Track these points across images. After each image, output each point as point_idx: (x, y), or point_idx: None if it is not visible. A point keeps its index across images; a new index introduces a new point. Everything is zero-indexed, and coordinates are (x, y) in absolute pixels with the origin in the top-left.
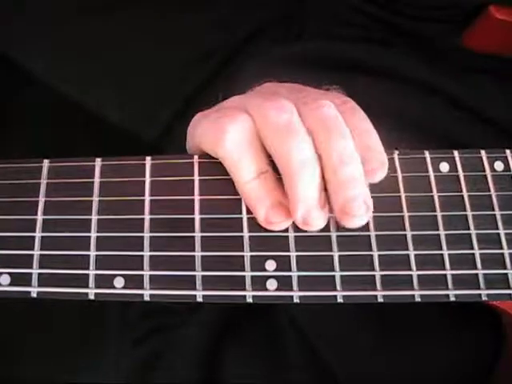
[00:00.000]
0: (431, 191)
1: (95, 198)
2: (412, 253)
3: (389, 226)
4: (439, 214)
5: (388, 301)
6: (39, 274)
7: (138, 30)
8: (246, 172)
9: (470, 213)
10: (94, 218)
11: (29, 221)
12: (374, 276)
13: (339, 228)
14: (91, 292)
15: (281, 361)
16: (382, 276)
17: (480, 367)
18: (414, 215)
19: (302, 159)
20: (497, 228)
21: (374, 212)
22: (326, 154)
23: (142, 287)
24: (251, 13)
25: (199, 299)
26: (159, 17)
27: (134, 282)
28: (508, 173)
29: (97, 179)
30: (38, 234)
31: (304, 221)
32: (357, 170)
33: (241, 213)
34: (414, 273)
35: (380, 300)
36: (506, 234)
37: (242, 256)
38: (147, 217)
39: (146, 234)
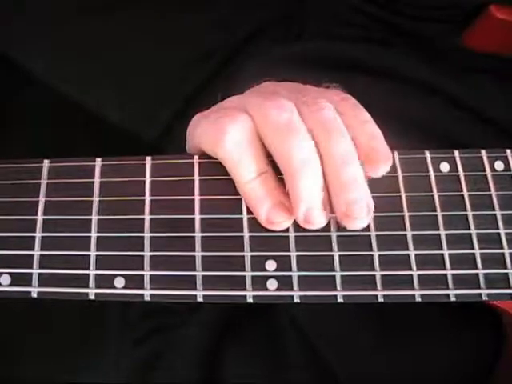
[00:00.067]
0: (431, 191)
1: (95, 198)
2: (412, 253)
3: (389, 225)
4: (439, 213)
5: (388, 301)
6: (39, 274)
7: (137, 30)
8: (246, 172)
9: (470, 212)
10: (95, 218)
11: (29, 221)
12: (374, 276)
13: (339, 228)
14: (91, 292)
15: (281, 360)
16: (382, 276)
17: (480, 367)
18: (415, 215)
19: (303, 158)
20: (497, 228)
21: (374, 212)
22: (327, 156)
23: (142, 287)
24: (251, 13)
25: (199, 299)
26: (159, 17)
27: (135, 282)
28: (508, 172)
29: (97, 179)
30: (38, 234)
31: (306, 219)
32: (358, 172)
33: (241, 213)
34: (415, 273)
35: (380, 300)
36: (506, 233)
37: (243, 256)
38: (147, 217)
39: (147, 234)
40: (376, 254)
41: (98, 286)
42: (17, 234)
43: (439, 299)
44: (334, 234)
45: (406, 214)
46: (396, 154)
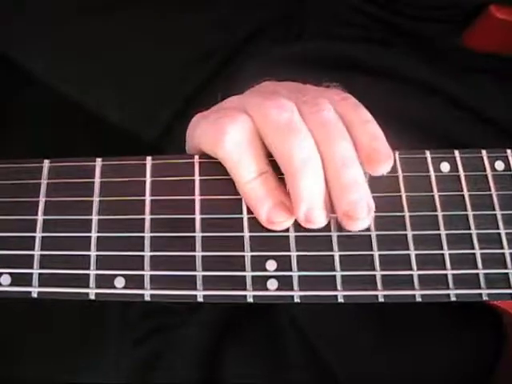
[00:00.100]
0: (432, 191)
1: (96, 198)
2: (413, 252)
3: (389, 225)
4: (440, 213)
5: (389, 301)
6: (40, 274)
7: (138, 30)
8: (246, 172)
9: (470, 212)
10: (95, 218)
11: (29, 221)
12: (374, 276)
13: (340, 228)
14: (92, 292)
15: (281, 361)
16: (382, 276)
17: (481, 367)
18: (415, 215)
19: (304, 157)
20: (497, 228)
21: (374, 212)
22: (328, 157)
23: (142, 287)
24: (251, 13)
25: (200, 299)
26: (159, 17)
27: (135, 282)
28: (508, 172)
29: (97, 179)
30: (38, 234)
31: (306, 218)
32: (358, 173)
33: (241, 213)
34: (415, 272)
35: (381, 300)
36: (506, 233)
37: (243, 256)
38: (148, 217)
39: (147, 234)
40: (376, 253)
41: (98, 286)
42: (17, 234)
43: (439, 299)
44: (334, 234)
45: (407, 213)
46: (396, 153)
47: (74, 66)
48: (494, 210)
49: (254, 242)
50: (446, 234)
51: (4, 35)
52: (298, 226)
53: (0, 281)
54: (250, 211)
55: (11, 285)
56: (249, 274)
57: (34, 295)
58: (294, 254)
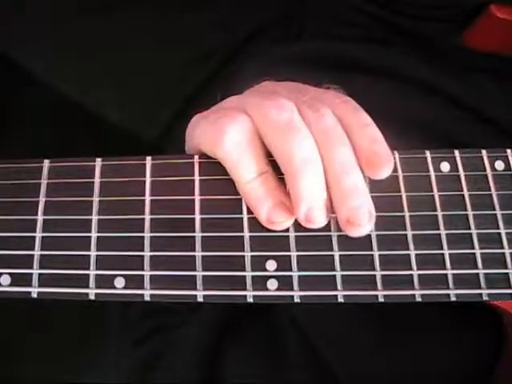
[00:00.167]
0: (432, 191)
1: (95, 198)
2: (413, 252)
3: (389, 225)
4: (440, 213)
5: (389, 300)
6: (39, 274)
7: (138, 30)
8: (246, 172)
9: (470, 212)
10: (95, 218)
11: (29, 221)
12: (374, 276)
13: (340, 228)
14: (92, 292)
15: (281, 360)
16: (382, 276)
17: (481, 367)
18: (415, 215)
19: (304, 157)
20: (498, 227)
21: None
22: (328, 163)
23: (142, 287)
24: (251, 13)
25: (200, 299)
26: (159, 17)
27: (135, 282)
28: (509, 172)
29: (97, 179)
30: (38, 234)
31: (307, 218)
32: (359, 179)
33: (241, 213)
34: (415, 272)
35: (381, 300)
36: (506, 233)
37: (243, 256)
38: (147, 217)
39: (147, 234)
40: (376, 253)
41: (98, 286)
42: (17, 234)
43: (440, 299)
44: (334, 234)
45: (407, 213)
46: (396, 153)
47: (74, 66)
48: (494, 209)
49: (253, 241)
50: (446, 234)
51: (4, 35)
52: (298, 225)
53: (0, 281)
54: (249, 211)
55: (11, 285)
56: (249, 273)
57: (34, 295)
58: (293, 253)
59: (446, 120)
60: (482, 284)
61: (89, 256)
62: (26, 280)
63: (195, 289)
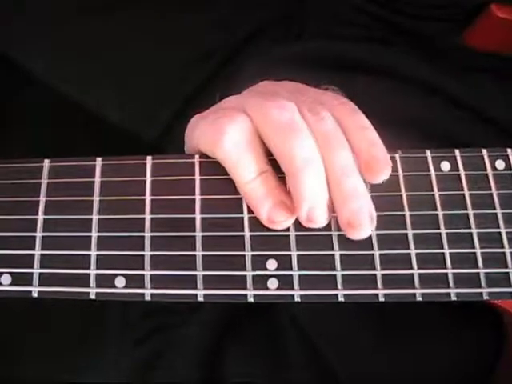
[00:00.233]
0: (432, 190)
1: (96, 198)
2: (413, 252)
3: (390, 224)
4: (440, 212)
5: (389, 300)
6: (40, 273)
7: (138, 30)
8: (246, 172)
9: (471, 211)
10: (95, 217)
11: (29, 220)
12: (375, 275)
13: (340, 227)
14: (92, 291)
15: (282, 360)
16: (383, 275)
17: (481, 366)
18: (415, 214)
19: (305, 157)
20: (498, 227)
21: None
22: (328, 166)
23: (142, 287)
24: (251, 13)
25: (200, 299)
26: (159, 17)
27: (135, 281)
28: (509, 171)
29: (97, 179)
30: (38, 234)
31: (308, 218)
32: (359, 182)
33: (242, 212)
34: (415, 272)
35: (381, 299)
36: (507, 232)
37: (243, 255)
38: (148, 216)
39: (147, 234)
40: (377, 253)
41: (98, 286)
42: (17, 234)
43: (440, 298)
44: (334, 234)
45: (407, 213)
46: (397, 153)
47: (74, 65)
48: (494, 209)
49: (254, 241)
50: (447, 233)
51: (4, 35)
52: (298, 225)
53: (0, 280)
54: (250, 210)
55: (11, 284)
56: (249, 273)
57: (35, 295)
58: (294, 253)
59: (446, 120)
60: (483, 283)
61: (89, 255)
62: (26, 279)
63: (196, 288)
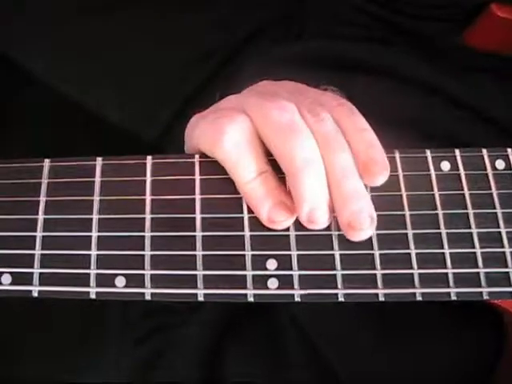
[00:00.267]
0: (432, 190)
1: (96, 198)
2: (413, 251)
3: (390, 224)
4: (440, 212)
5: (389, 299)
6: (40, 273)
7: (138, 30)
8: (246, 172)
9: (471, 211)
10: (95, 217)
11: (30, 220)
12: (375, 275)
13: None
14: (92, 291)
15: (282, 359)
16: (383, 275)
17: (481, 366)
18: (415, 214)
19: (306, 157)
20: (498, 226)
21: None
22: (329, 168)
23: (143, 286)
24: (251, 13)
25: (200, 298)
26: (159, 17)
27: (135, 281)
28: (509, 171)
29: (98, 178)
30: (38, 234)
31: (309, 219)
32: (359, 184)
33: (242, 212)
34: (416, 271)
35: (381, 299)
36: (507, 232)
37: (243, 255)
38: (148, 216)
39: (147, 234)
40: (377, 252)
41: (98, 285)
42: (18, 234)
43: (440, 298)
44: (334, 233)
45: (407, 212)
46: (397, 153)
47: (74, 65)
48: (494, 208)
49: (254, 241)
50: (447, 233)
51: (4, 35)
52: (298, 225)
53: (1, 280)
54: (250, 210)
55: (12, 284)
56: (249, 273)
57: (35, 294)
58: (294, 253)
59: (446, 120)
60: (483, 283)
61: (89, 255)
62: (26, 279)
63: (196, 288)
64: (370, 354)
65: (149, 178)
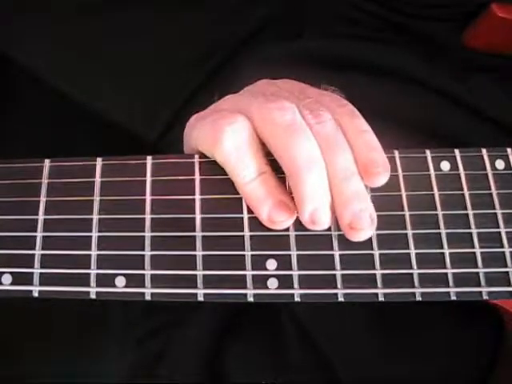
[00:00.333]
0: (432, 190)
1: (96, 198)
2: (413, 251)
3: (390, 224)
4: (440, 212)
5: (389, 299)
6: (40, 273)
7: (138, 30)
8: (245, 173)
9: (471, 211)
10: (95, 217)
11: (30, 220)
12: (374, 275)
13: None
14: (92, 291)
15: (282, 359)
16: (382, 275)
17: (481, 366)
18: (415, 214)
19: (308, 158)
20: (498, 226)
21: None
22: (330, 169)
23: (143, 286)
24: (251, 12)
25: (200, 298)
26: (159, 17)
27: (136, 281)
28: (509, 171)
29: (98, 179)
30: (39, 234)
31: (311, 220)
32: (360, 185)
33: (242, 212)
34: (415, 271)
35: (381, 299)
36: (506, 232)
37: (243, 255)
38: (148, 216)
39: (147, 234)
40: (376, 252)
41: (98, 285)
42: (18, 234)
43: (440, 298)
44: (334, 233)
45: (407, 212)
46: (396, 153)
47: (74, 65)
48: (494, 208)
49: (254, 241)
50: (447, 233)
51: (4, 35)
52: (298, 225)
53: (1, 280)
54: (250, 210)
55: (12, 284)
56: (249, 273)
57: (35, 294)
58: (294, 253)
59: (446, 120)
60: (482, 283)
61: (90, 255)
62: (27, 279)
63: (196, 288)
64: (369, 352)
65: (149, 178)
